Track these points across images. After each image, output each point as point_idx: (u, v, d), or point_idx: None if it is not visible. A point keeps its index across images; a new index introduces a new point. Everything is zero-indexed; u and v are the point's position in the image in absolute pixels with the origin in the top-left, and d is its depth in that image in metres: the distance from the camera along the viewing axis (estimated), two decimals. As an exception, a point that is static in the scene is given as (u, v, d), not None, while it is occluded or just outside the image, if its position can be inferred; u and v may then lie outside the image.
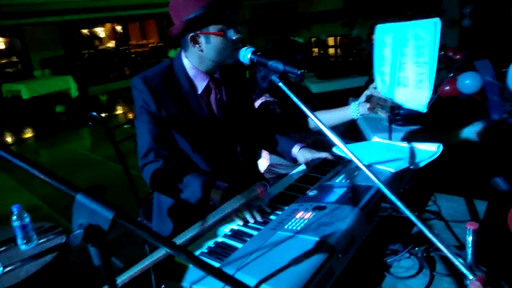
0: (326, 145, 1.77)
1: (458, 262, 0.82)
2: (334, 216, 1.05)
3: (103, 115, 7.68)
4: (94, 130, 7.08)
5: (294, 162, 1.63)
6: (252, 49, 1.26)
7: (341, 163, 1.49)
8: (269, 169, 2.01)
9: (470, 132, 2.73)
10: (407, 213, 0.91)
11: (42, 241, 1.90)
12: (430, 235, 0.87)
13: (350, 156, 1.02)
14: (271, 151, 1.74)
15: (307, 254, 0.90)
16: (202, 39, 1.32)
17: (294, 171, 1.56)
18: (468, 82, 2.99)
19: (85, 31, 12.39)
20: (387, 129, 1.98)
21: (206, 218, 1.06)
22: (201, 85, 1.41)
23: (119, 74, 12.15)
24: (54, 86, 8.72)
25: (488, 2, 8.31)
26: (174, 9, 1.32)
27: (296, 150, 1.61)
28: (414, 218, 0.90)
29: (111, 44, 13.13)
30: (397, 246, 1.08)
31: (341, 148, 1.03)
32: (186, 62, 1.41)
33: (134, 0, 10.54)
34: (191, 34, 1.32)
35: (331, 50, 9.70)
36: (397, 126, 2.70)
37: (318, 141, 2.21)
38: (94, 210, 0.57)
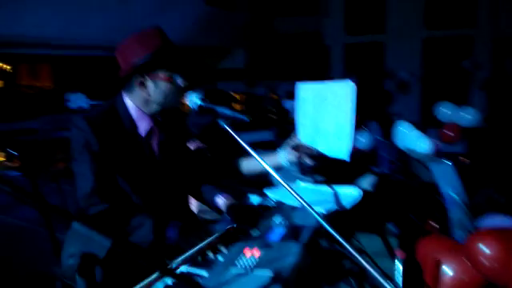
0: (250, 192, 1.87)
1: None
2: (281, 252, 1.12)
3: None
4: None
5: (219, 212, 1.65)
6: (200, 95, 1.33)
7: (273, 206, 1.59)
8: (198, 215, 2.00)
9: (365, 183, 3.11)
10: (346, 246, 1.03)
11: None
12: (366, 266, 1.00)
13: (294, 195, 1.12)
14: (199, 199, 1.75)
15: (265, 289, 0.94)
16: (149, 83, 1.36)
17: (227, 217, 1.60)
18: (362, 140, 3.47)
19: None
20: (296, 178, 2.16)
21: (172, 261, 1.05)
22: (143, 127, 1.42)
23: (5, 116, 10.80)
24: None
25: (366, 75, 9.84)
26: (123, 52, 1.34)
27: (220, 201, 1.63)
28: (352, 251, 1.02)
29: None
30: (334, 277, 1.19)
31: (277, 189, 1.13)
32: (129, 103, 1.41)
33: (25, 38, 9.80)
34: (139, 78, 1.35)
35: (237, 106, 10.21)
36: (305, 176, 2.96)
37: (242, 190, 2.28)
38: (90, 238, 0.56)
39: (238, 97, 10.46)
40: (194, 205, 2.01)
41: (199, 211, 2.02)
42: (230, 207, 1.57)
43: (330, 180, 2.96)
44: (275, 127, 7.32)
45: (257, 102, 9.83)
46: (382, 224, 2.49)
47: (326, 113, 1.67)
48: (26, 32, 7.73)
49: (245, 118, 1.26)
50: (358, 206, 1.99)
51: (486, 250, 1.06)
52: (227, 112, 1.26)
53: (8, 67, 11.88)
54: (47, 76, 12.99)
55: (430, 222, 2.74)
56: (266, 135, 6.63)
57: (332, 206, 1.42)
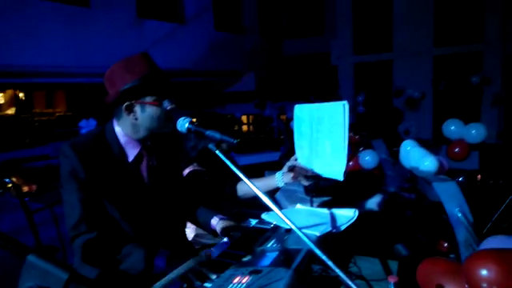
0: (250, 216, 1.84)
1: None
2: (270, 278, 1.08)
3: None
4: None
5: (215, 234, 1.63)
6: (189, 119, 1.33)
7: (268, 230, 1.56)
8: (194, 239, 1.97)
9: (373, 203, 3.04)
10: (338, 271, 0.99)
11: None
12: (358, 291, 0.96)
13: (284, 219, 1.10)
14: (194, 223, 1.73)
15: (249, 318, 0.91)
16: (137, 108, 1.36)
17: (224, 240, 1.57)
18: (367, 159, 3.41)
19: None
20: (300, 199, 2.13)
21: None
22: (132, 152, 1.41)
23: (17, 143, 11.09)
24: None
25: (375, 93, 9.83)
26: (110, 79, 1.36)
27: (215, 222, 1.59)
28: (344, 277, 0.98)
29: (11, 111, 12.13)
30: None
31: (273, 213, 1.11)
32: (117, 129, 1.41)
33: (40, 68, 10.12)
34: (126, 104, 1.35)
35: (245, 127, 10.28)
36: (310, 197, 2.90)
37: (241, 213, 2.26)
38: (46, 271, 0.54)
39: (245, 119, 10.55)
40: (190, 229, 1.99)
41: (196, 235, 1.99)
42: (224, 229, 1.53)
43: (334, 199, 2.91)
44: (283, 148, 7.32)
45: (265, 124, 9.87)
46: (385, 246, 2.42)
47: (320, 133, 1.65)
48: (40, 61, 8.02)
49: (233, 140, 1.25)
50: (361, 228, 1.93)
51: (484, 272, 1.01)
52: (215, 135, 1.25)
53: (21, 95, 12.26)
54: (61, 103, 13.33)
55: (441, 242, 2.65)
56: (274, 156, 6.63)
57: (326, 228, 1.38)
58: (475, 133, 3.06)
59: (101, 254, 1.26)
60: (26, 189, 7.25)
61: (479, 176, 3.96)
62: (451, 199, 1.89)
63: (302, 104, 1.80)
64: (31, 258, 0.55)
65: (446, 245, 2.60)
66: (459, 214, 1.83)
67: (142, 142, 1.43)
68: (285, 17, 14.14)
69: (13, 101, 12.38)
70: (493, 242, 1.34)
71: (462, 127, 3.22)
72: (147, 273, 1.22)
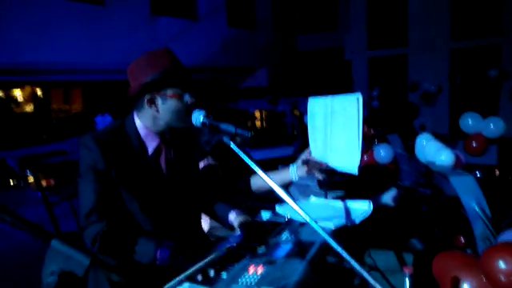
0: (264, 209, 1.85)
1: (399, 306, 0.90)
2: (285, 269, 1.09)
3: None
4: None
5: (231, 228, 1.64)
6: (204, 112, 1.34)
7: (282, 223, 1.56)
8: (209, 232, 1.99)
9: (388, 198, 3.01)
10: (353, 263, 0.99)
11: None
12: (374, 283, 0.96)
13: (299, 211, 1.10)
14: (212, 216, 1.75)
15: (264, 307, 0.92)
16: (158, 101, 1.39)
17: (238, 232, 1.59)
18: (382, 153, 3.39)
19: (-1, 93, 11.60)
20: (314, 193, 2.13)
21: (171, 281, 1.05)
22: (151, 145, 1.44)
23: (35, 139, 11.33)
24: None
25: (390, 87, 9.69)
26: (134, 72, 1.39)
27: (233, 217, 1.61)
28: (358, 268, 0.99)
29: (29, 108, 12.39)
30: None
31: (288, 206, 1.11)
32: (138, 122, 1.44)
33: (56, 65, 10.29)
34: (149, 96, 1.38)
35: (258, 123, 10.29)
36: (324, 191, 2.90)
37: (255, 206, 2.27)
38: (69, 256, 0.56)
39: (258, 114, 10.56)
40: (205, 221, 2.01)
41: (211, 228, 2.01)
42: (241, 224, 1.55)
43: (348, 194, 2.90)
44: (296, 142, 7.31)
45: (279, 119, 9.86)
46: (400, 240, 2.40)
47: (335, 126, 1.64)
48: (56, 59, 8.17)
49: (247, 133, 1.25)
50: (376, 221, 1.92)
51: (503, 265, 1.00)
52: (230, 128, 1.26)
53: (39, 92, 12.50)
54: (77, 100, 13.55)
55: (458, 237, 2.62)
56: (287, 151, 6.63)
57: (341, 221, 1.38)
58: (493, 127, 3.00)
59: (111, 245, 1.29)
60: (44, 183, 7.42)
61: (497, 171, 3.89)
62: (468, 193, 1.87)
63: (316, 97, 1.79)
64: (55, 243, 0.57)
65: (462, 240, 2.57)
66: (476, 208, 1.81)
67: (160, 134, 1.46)
68: (298, 12, 14.04)
69: (31, 98, 12.64)
70: (510, 235, 1.32)
71: (479, 121, 3.15)
72: (151, 265, 1.25)
